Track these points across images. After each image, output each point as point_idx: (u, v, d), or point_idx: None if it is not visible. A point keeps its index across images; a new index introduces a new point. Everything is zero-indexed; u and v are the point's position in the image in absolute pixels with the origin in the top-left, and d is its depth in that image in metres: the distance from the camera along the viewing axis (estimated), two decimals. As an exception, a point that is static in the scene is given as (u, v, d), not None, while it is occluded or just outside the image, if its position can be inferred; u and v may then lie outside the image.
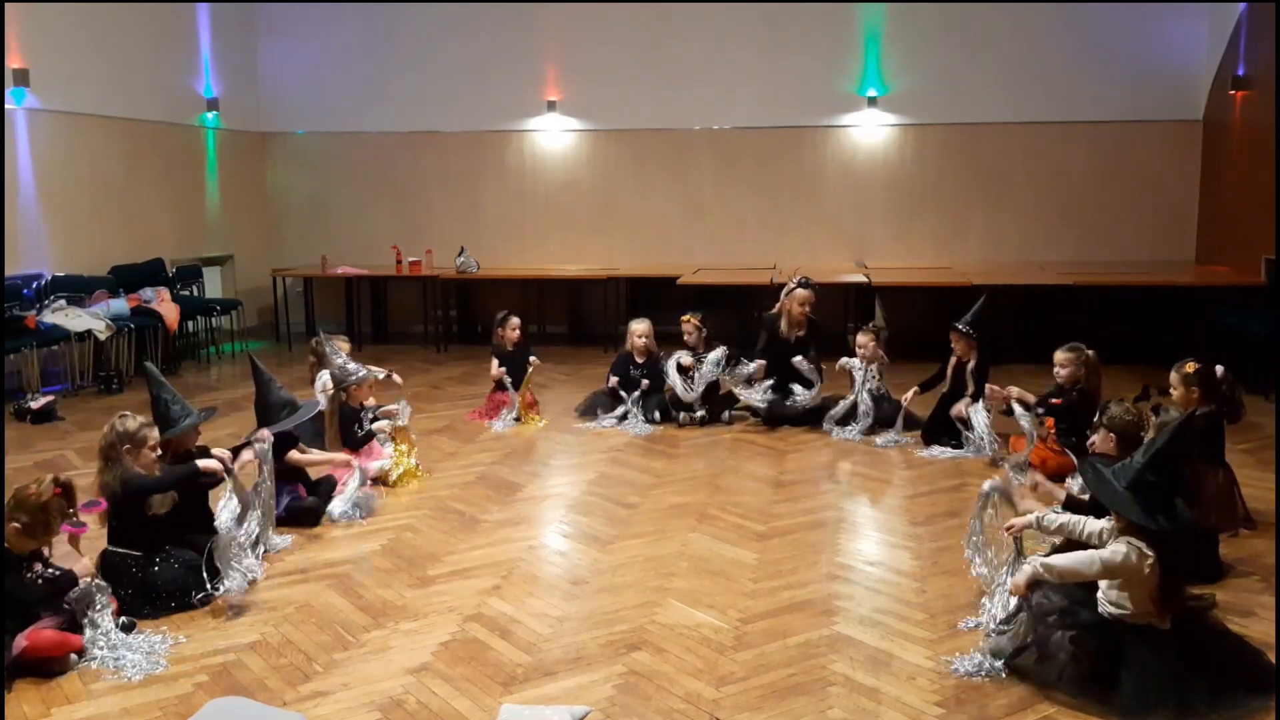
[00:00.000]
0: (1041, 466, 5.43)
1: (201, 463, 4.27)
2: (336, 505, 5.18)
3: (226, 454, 4.45)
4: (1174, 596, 3.31)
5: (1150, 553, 3.23)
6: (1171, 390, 4.83)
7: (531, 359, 7.32)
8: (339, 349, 5.96)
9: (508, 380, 7.27)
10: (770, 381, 6.98)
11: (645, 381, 7.17)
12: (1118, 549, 3.26)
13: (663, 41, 10.95)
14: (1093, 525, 3.52)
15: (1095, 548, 3.39)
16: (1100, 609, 3.37)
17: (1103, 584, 3.41)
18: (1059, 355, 5.88)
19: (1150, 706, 3.12)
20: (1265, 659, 3.38)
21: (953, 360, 6.51)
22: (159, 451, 4.23)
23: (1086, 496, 3.89)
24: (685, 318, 7.28)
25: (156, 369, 4.68)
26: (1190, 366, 4.76)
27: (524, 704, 3.24)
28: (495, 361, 7.36)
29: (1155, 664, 3.19)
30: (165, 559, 4.10)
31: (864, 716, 3.20)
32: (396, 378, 6.54)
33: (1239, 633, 3.55)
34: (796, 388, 6.92)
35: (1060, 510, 3.85)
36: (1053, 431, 5.83)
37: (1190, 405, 4.73)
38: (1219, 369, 4.78)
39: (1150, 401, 4.69)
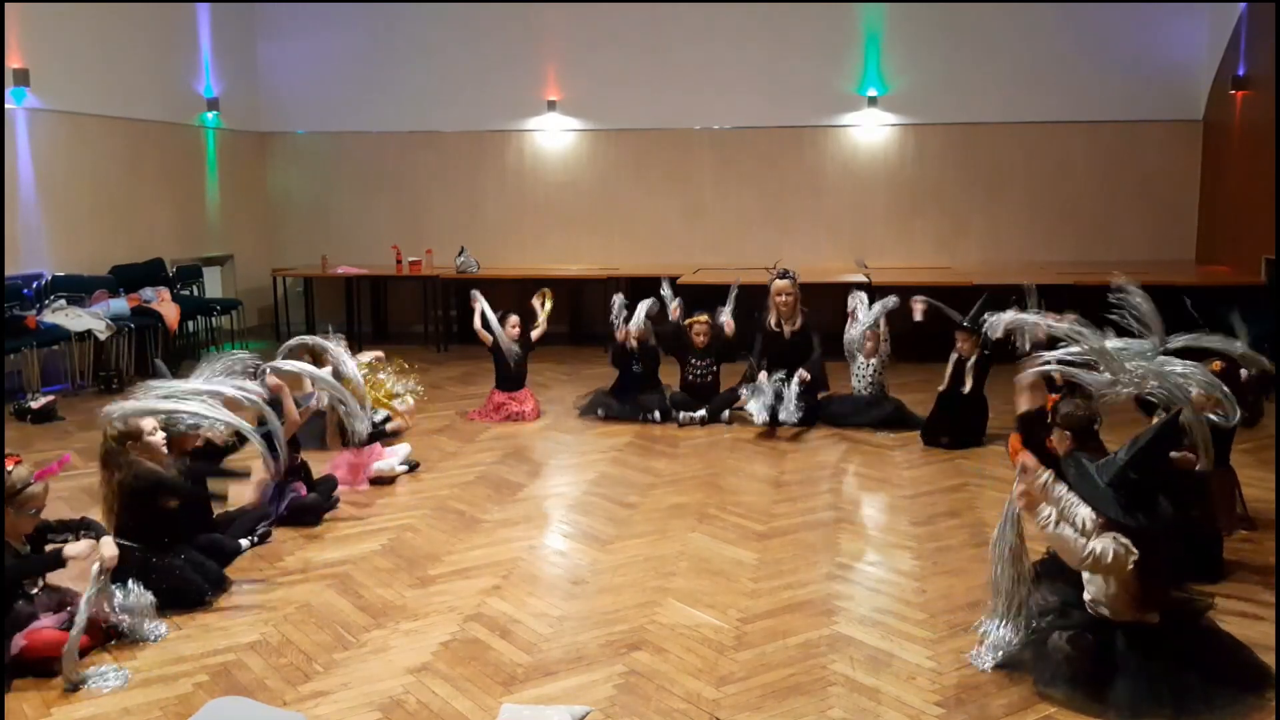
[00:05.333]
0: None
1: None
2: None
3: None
4: (1155, 596, 3.30)
5: (1134, 550, 3.21)
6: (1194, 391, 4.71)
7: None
8: (342, 343, 5.94)
9: (491, 317, 7.40)
10: (782, 376, 6.87)
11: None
12: (1105, 546, 3.23)
13: (663, 41, 10.94)
14: (1082, 510, 3.48)
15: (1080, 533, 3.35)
16: (1089, 608, 3.37)
17: (1084, 577, 3.41)
18: None
19: (1147, 706, 3.12)
20: (1260, 658, 3.37)
21: (953, 357, 6.52)
22: (163, 434, 4.19)
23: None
24: (701, 318, 7.27)
25: (165, 367, 4.68)
26: (1216, 365, 4.63)
27: (524, 704, 3.24)
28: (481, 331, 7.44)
29: (1151, 664, 3.19)
30: (173, 557, 4.07)
31: (864, 716, 3.20)
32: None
33: (1238, 633, 3.54)
34: (785, 406, 6.70)
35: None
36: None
37: (1214, 407, 4.65)
38: (1243, 373, 4.63)
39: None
